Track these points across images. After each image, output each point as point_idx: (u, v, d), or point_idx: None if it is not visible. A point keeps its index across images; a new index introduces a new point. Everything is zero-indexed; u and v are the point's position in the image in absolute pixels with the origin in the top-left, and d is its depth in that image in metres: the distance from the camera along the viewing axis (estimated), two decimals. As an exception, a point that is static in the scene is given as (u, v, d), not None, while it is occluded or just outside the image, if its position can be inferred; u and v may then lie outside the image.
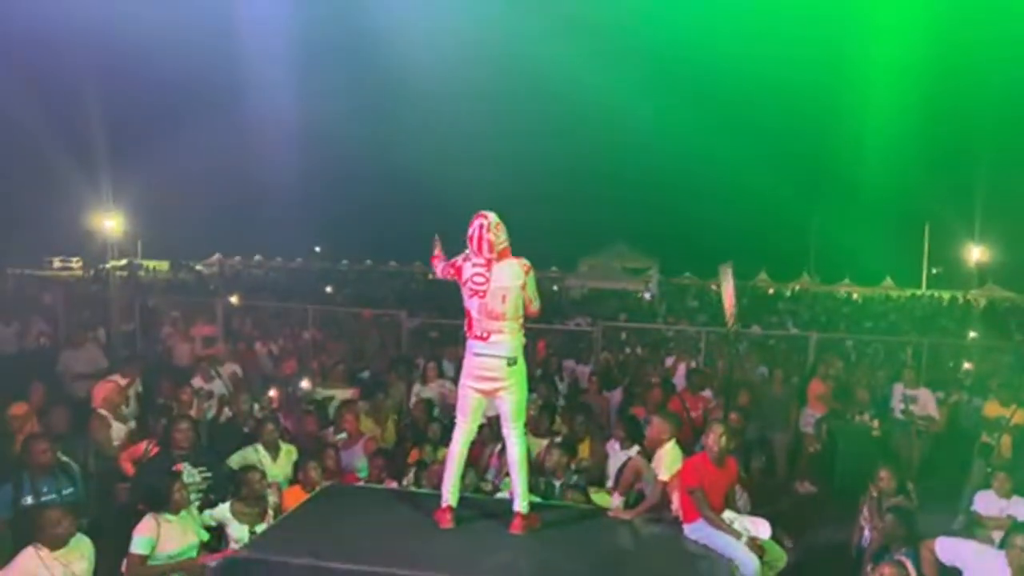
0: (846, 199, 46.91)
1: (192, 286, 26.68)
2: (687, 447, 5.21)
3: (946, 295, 33.89)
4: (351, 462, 5.97)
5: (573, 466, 5.60)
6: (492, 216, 4.10)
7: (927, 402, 7.94)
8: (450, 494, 4.18)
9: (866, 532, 5.05)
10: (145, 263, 41.89)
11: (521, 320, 4.13)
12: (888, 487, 4.96)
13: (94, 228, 28.77)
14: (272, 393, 7.02)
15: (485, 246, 4.04)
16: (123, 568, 4.19)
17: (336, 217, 56.44)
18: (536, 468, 5.42)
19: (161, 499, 4.27)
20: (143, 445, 5.57)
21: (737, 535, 4.06)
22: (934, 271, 42.40)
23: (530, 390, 5.12)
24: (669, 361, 10.18)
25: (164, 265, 42.25)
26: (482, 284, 4.03)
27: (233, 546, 4.45)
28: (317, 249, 58.17)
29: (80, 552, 4.00)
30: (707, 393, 7.98)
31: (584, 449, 6.21)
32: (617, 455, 5.78)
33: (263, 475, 4.91)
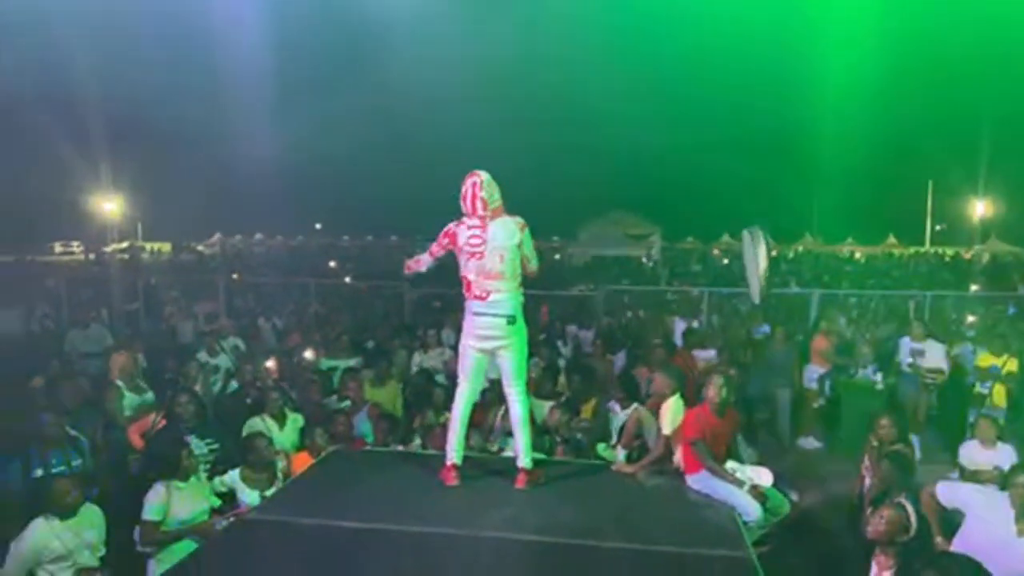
0: (848, 159, 46.49)
1: (193, 265, 26.73)
2: (689, 404, 5.25)
3: (949, 251, 33.78)
4: (357, 428, 6.03)
5: (574, 425, 5.65)
6: (484, 175, 4.08)
7: (935, 354, 7.94)
8: (454, 452, 4.23)
9: (867, 480, 5.10)
10: (147, 245, 41.89)
11: (520, 279, 4.13)
12: (888, 435, 4.98)
13: (93, 211, 28.70)
14: (270, 364, 7.05)
15: (479, 204, 4.03)
16: (137, 535, 4.26)
17: (336, 194, 56.27)
18: (540, 429, 5.48)
19: (170, 467, 4.32)
20: (150, 418, 5.63)
21: (739, 483, 4.12)
22: (938, 228, 42.24)
23: (532, 353, 5.15)
24: (674, 323, 10.21)
25: (166, 247, 42.26)
26: (478, 245, 4.03)
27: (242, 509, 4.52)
28: (318, 226, 58.13)
29: (90, 521, 4.06)
30: (711, 351, 8.02)
31: (587, 410, 6.25)
32: (618, 416, 5.84)
33: (270, 442, 4.97)
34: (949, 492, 3.89)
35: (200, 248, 39.72)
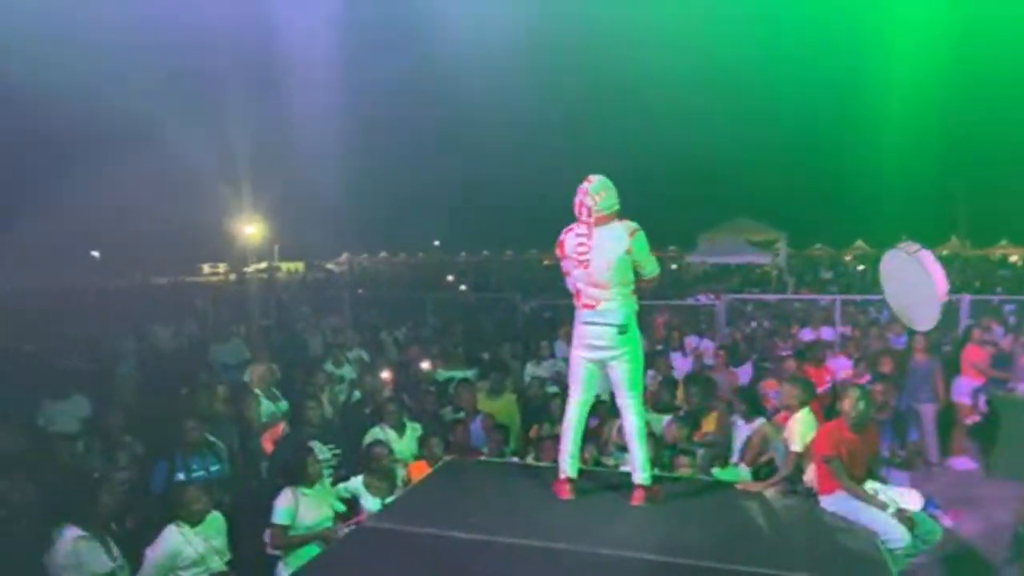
0: (993, 158, 42.23)
1: (323, 283, 28.29)
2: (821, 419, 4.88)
3: None
4: (472, 438, 6.06)
5: (696, 440, 5.40)
6: (596, 179, 3.92)
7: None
8: (567, 465, 4.12)
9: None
10: (283, 265, 44.92)
11: (631, 286, 3.97)
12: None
13: (236, 234, 31.05)
14: (385, 375, 7.24)
15: (584, 211, 3.90)
16: (268, 538, 4.46)
17: (454, 212, 57.88)
18: (658, 443, 5.28)
19: (297, 473, 4.50)
20: (281, 425, 5.93)
21: (882, 506, 3.74)
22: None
23: (647, 365, 4.95)
24: (803, 333, 9.63)
25: (300, 266, 45.18)
26: (585, 253, 3.89)
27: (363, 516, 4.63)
28: (436, 243, 60.11)
29: (216, 528, 4.20)
30: (846, 363, 7.47)
31: (709, 423, 5.97)
32: (741, 430, 5.53)
33: (390, 451, 5.08)
34: None
35: (330, 266, 42.07)
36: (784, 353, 8.14)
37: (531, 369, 8.18)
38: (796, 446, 4.23)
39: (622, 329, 3.91)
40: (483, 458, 5.60)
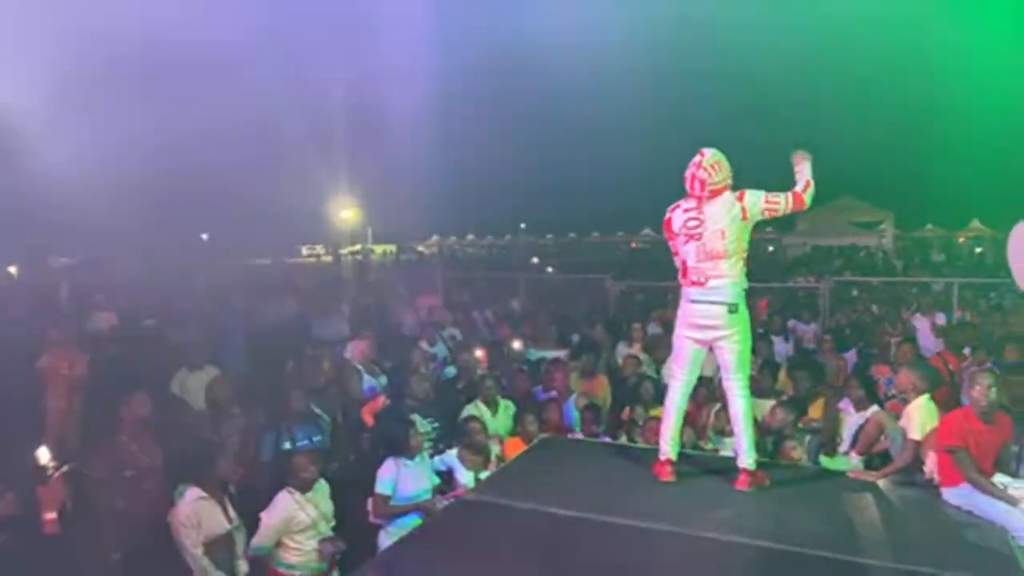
0: None
1: (414, 265, 28.98)
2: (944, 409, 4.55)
3: None
4: (565, 417, 6.05)
5: (802, 426, 5.17)
6: (709, 153, 3.82)
7: None
8: (669, 447, 4.03)
9: None
10: (376, 247, 46.27)
11: (744, 257, 3.83)
12: None
13: (333, 218, 32.17)
14: (479, 353, 7.31)
15: (697, 184, 3.80)
16: (370, 507, 4.61)
17: (540, 195, 57.81)
18: (761, 430, 5.09)
19: (399, 444, 4.61)
20: (380, 399, 6.09)
21: (1013, 501, 3.46)
22: None
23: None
24: (915, 319, 9.04)
25: (393, 248, 46.42)
26: (697, 227, 3.80)
27: (460, 490, 4.71)
28: (523, 226, 60.27)
29: (323, 494, 4.35)
30: (965, 351, 6.97)
31: (815, 409, 5.71)
32: (851, 417, 5.25)
33: (484, 426, 5.14)
34: None
35: (421, 249, 43.00)
36: (897, 339, 7.66)
37: (624, 351, 8.07)
38: (916, 434, 3.97)
39: (732, 308, 3.78)
40: (577, 436, 5.58)
